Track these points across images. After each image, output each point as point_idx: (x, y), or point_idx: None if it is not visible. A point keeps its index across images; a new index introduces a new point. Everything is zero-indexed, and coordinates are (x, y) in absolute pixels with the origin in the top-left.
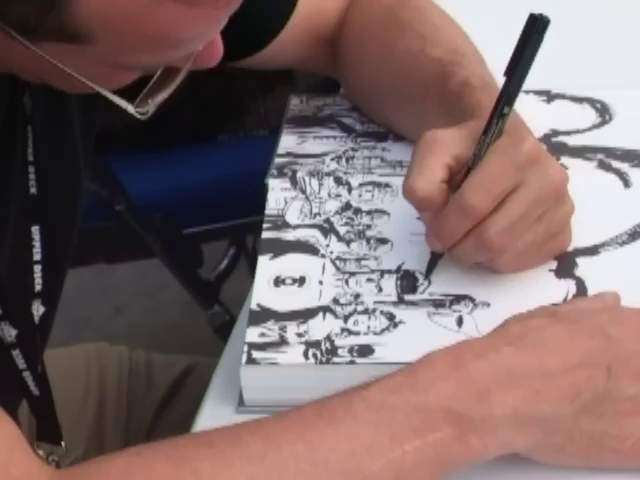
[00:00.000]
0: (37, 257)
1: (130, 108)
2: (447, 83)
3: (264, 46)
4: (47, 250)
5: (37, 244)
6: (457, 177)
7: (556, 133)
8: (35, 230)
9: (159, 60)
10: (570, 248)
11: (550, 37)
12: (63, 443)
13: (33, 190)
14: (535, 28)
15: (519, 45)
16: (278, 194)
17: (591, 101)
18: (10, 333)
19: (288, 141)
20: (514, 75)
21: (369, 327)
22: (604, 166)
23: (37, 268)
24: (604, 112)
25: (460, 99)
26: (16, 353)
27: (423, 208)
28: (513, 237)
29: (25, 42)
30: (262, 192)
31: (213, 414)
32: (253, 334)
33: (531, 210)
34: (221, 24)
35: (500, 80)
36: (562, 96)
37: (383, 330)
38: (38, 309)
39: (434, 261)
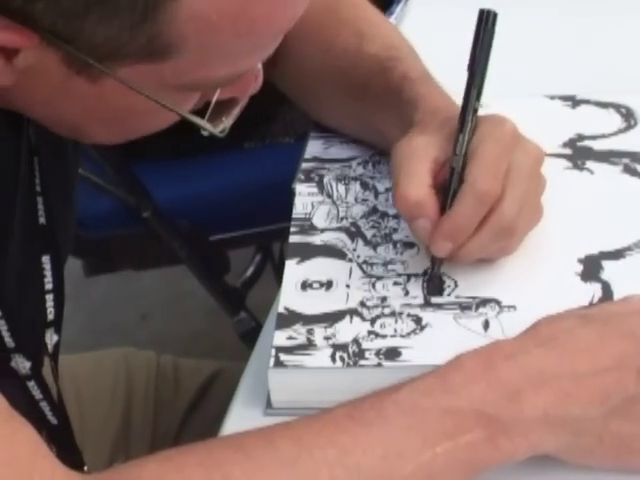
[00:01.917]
0: (49, 286)
1: (209, 127)
2: (386, 79)
3: None
4: (56, 278)
5: (48, 273)
6: (437, 180)
7: (581, 137)
8: (46, 260)
9: (233, 72)
10: (596, 251)
11: (575, 44)
12: (85, 468)
13: (42, 220)
14: (485, 22)
15: (475, 40)
16: (305, 199)
17: (616, 106)
18: (24, 365)
19: (315, 146)
20: (476, 69)
21: (396, 330)
22: (629, 170)
23: (49, 297)
24: (629, 117)
25: (401, 94)
26: (31, 384)
27: (417, 214)
28: (522, 216)
29: (105, 69)
30: (288, 199)
31: (241, 416)
32: (281, 337)
33: (528, 187)
34: (294, 21)
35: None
36: (587, 101)
37: (410, 333)
38: (52, 338)
39: (438, 268)
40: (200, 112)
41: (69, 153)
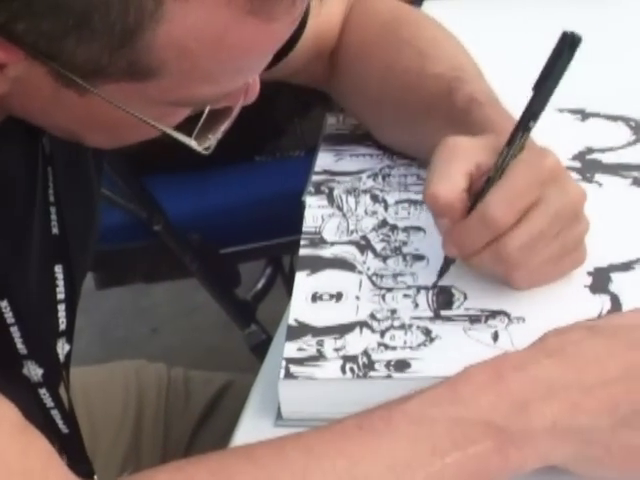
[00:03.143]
0: (61, 296)
1: (194, 144)
2: (452, 100)
3: (281, 59)
4: (69, 288)
5: (60, 283)
6: (476, 185)
7: (591, 150)
8: (58, 269)
9: (219, 92)
10: (605, 264)
11: (585, 56)
12: (96, 477)
13: (55, 230)
14: (567, 45)
15: (550, 61)
16: (315, 211)
17: (625, 119)
18: (36, 372)
19: (325, 159)
20: (542, 90)
21: (405, 342)
22: (638, 183)
23: (61, 307)
24: (638, 130)
25: (467, 116)
26: (43, 392)
27: (443, 215)
28: (531, 253)
29: (88, 86)
30: (299, 212)
31: (251, 428)
32: (291, 349)
33: (550, 227)
34: (280, 45)
35: (505, 94)
36: (596, 114)
37: (419, 345)
38: (63, 347)
39: (447, 265)
40: (188, 128)
41: (90, 168)
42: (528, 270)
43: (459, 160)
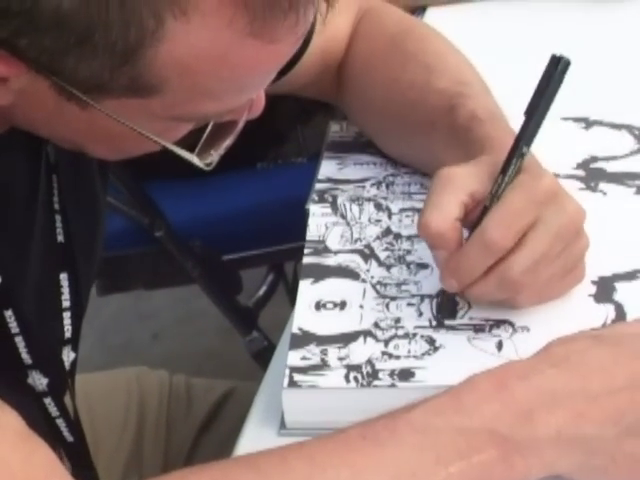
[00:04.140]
0: (66, 304)
1: (196, 160)
2: (454, 116)
3: (285, 73)
4: (74, 296)
5: (66, 291)
6: (472, 215)
7: (595, 159)
8: (63, 277)
9: (222, 109)
10: (609, 273)
11: (589, 64)
12: None
13: (60, 238)
14: (556, 69)
15: (540, 85)
16: (319, 219)
17: (629, 128)
18: (41, 382)
19: (328, 167)
20: (534, 115)
21: (409, 351)
22: None
23: (66, 315)
24: None
25: (468, 133)
26: (48, 401)
27: (437, 245)
28: (534, 275)
29: (90, 101)
30: (300, 219)
31: (255, 437)
32: (295, 357)
33: (552, 248)
34: (284, 63)
35: (508, 101)
36: (600, 123)
37: (423, 354)
38: (69, 355)
39: (447, 301)
40: (191, 142)
41: (95, 177)
42: (532, 291)
43: (452, 189)
